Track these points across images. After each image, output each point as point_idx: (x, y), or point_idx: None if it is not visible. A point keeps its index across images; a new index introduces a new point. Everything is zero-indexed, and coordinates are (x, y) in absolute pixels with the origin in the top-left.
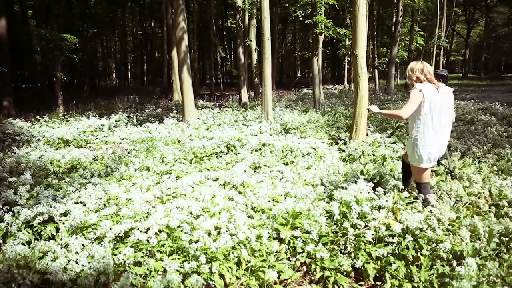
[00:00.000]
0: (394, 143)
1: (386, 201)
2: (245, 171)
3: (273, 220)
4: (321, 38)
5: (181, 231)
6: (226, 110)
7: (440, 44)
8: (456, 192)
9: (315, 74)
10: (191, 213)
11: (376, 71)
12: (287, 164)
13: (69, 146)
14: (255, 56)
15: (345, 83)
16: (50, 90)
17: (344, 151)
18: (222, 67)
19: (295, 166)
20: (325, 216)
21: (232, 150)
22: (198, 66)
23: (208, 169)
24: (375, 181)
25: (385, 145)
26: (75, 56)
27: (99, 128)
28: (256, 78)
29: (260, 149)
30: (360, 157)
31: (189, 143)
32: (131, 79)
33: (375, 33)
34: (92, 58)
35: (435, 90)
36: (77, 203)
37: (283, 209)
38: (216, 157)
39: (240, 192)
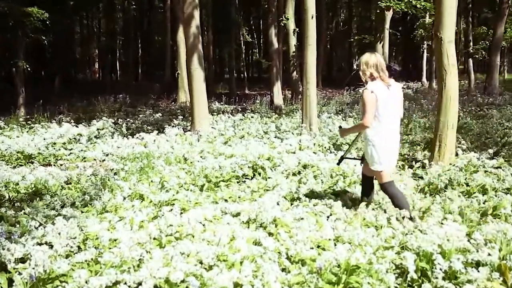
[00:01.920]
0: (500, 167)
1: (489, 254)
2: (278, 204)
3: (317, 277)
4: (389, 14)
5: (187, 287)
6: (252, 117)
7: None
8: None
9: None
10: (200, 262)
11: (470, 61)
12: (337, 195)
13: (32, 163)
14: (293, 40)
15: (423, 79)
16: (8, 84)
17: (421, 177)
18: (247, 56)
19: (351, 197)
20: (395, 274)
21: (260, 174)
22: (213, 54)
23: (225, 200)
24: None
25: (485, 171)
26: (44, 38)
27: (74, 138)
28: (295, 72)
29: (299, 172)
30: (446, 188)
31: (200, 162)
32: (120, 72)
33: (470, 5)
34: (67, 42)
35: (386, 89)
36: (40, 244)
37: (332, 260)
38: (238, 182)
39: (270, 234)
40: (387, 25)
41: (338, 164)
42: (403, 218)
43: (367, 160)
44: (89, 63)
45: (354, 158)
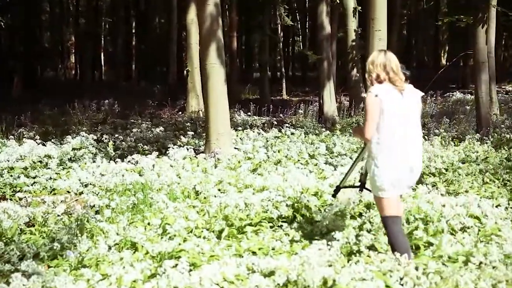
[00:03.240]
0: None
1: None
2: (329, 259)
3: None
4: None
5: None
6: (293, 134)
7: None
8: None
9: (480, 60)
10: None
11: None
12: (417, 247)
13: None
14: (353, 24)
15: None
16: None
17: None
18: (286, 46)
19: (434, 253)
20: None
21: (303, 215)
22: (238, 44)
23: (253, 252)
24: None
25: None
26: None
27: (40, 162)
28: (355, 69)
29: (360, 214)
30: None
31: (218, 198)
32: (105, 68)
33: None
34: (30, 25)
35: (397, 94)
36: None
37: None
38: (271, 227)
39: None
40: (495, 0)
41: (334, 196)
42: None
43: (370, 183)
44: (62, 55)
45: (352, 186)
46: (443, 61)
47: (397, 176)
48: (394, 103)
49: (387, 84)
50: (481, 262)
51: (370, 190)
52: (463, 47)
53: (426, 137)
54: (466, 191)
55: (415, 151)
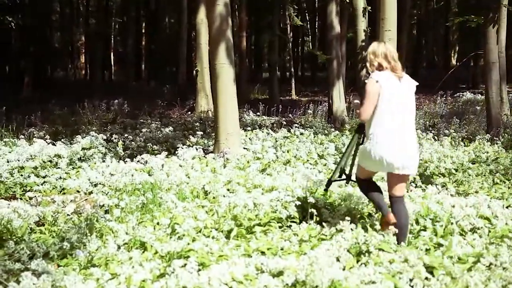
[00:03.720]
0: None
1: None
2: (338, 260)
3: None
4: None
5: None
6: (302, 134)
7: None
8: None
9: (491, 60)
10: None
11: None
12: (427, 250)
13: None
14: (363, 24)
15: None
16: None
17: None
18: (296, 47)
19: (444, 254)
20: None
21: (312, 215)
22: (247, 44)
23: (262, 252)
24: None
25: None
26: (10, 20)
27: (50, 161)
28: (364, 70)
29: (370, 214)
30: None
31: (227, 198)
32: (115, 68)
33: None
34: (42, 25)
35: (396, 81)
36: None
37: None
38: (280, 228)
39: None
40: (506, 0)
41: (326, 189)
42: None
43: (359, 154)
44: (72, 55)
45: (342, 179)
46: (453, 61)
47: (384, 155)
48: (394, 90)
49: (387, 72)
50: (491, 263)
51: (355, 181)
52: (473, 47)
53: (436, 137)
54: (476, 192)
55: (412, 139)
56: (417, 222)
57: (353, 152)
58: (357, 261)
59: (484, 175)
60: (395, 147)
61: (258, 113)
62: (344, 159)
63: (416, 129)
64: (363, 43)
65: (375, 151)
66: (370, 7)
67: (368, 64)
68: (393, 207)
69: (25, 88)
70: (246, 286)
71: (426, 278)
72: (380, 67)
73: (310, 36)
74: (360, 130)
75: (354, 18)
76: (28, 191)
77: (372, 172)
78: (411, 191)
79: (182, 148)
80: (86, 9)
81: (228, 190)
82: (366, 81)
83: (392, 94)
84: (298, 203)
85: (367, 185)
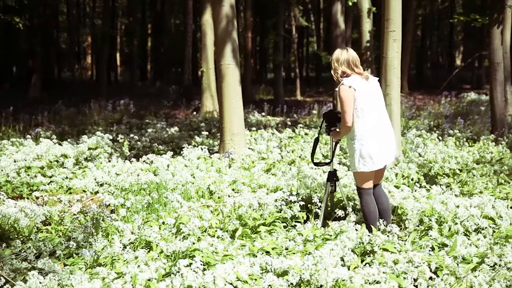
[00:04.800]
0: None
1: None
2: (342, 260)
3: None
4: None
5: None
6: (307, 134)
7: None
8: None
9: (496, 61)
10: None
11: None
12: (432, 249)
13: None
14: (367, 25)
15: None
16: None
17: None
18: (301, 47)
19: (448, 254)
20: None
21: (317, 215)
22: (253, 45)
23: (267, 252)
24: None
25: None
26: (18, 21)
27: (57, 161)
28: (369, 70)
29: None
30: None
31: (232, 198)
32: (121, 68)
33: None
34: (48, 26)
35: (365, 83)
36: None
37: None
38: (285, 227)
39: None
40: (511, 0)
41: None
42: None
43: (350, 162)
44: (78, 55)
45: (323, 164)
46: (458, 62)
47: (375, 152)
48: (366, 90)
49: (355, 75)
50: (495, 264)
51: (325, 164)
52: (478, 47)
53: (440, 137)
54: (481, 192)
55: (390, 129)
56: (422, 222)
57: (329, 199)
58: (362, 261)
59: (489, 176)
60: (383, 142)
61: (263, 113)
62: (323, 206)
63: (421, 129)
64: (368, 44)
65: (367, 150)
66: (375, 8)
67: (332, 72)
68: (376, 191)
69: (32, 88)
70: (251, 285)
71: (431, 278)
72: (344, 75)
73: (315, 37)
74: (331, 178)
75: (358, 19)
76: (35, 190)
77: (371, 174)
78: (415, 191)
79: (188, 148)
80: (92, 10)
81: (233, 190)
82: (337, 89)
83: (366, 94)
84: (303, 203)
85: (368, 198)
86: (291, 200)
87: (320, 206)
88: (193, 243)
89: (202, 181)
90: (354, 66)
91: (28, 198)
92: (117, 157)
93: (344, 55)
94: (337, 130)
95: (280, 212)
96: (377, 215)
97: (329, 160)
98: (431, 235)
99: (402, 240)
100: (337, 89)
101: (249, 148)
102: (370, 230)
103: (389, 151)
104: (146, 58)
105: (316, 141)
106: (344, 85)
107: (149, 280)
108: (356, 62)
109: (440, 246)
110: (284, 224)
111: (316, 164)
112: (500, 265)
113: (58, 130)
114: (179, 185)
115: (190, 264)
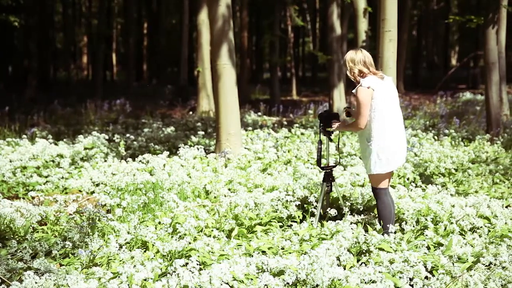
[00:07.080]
0: None
1: None
2: (338, 259)
3: None
4: None
5: None
6: (303, 134)
7: None
8: None
9: (491, 61)
10: None
11: None
12: (428, 248)
13: None
14: (363, 25)
15: None
16: None
17: None
18: (297, 47)
19: (444, 254)
20: None
21: (313, 215)
22: (249, 44)
23: (263, 251)
24: None
25: None
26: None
27: (52, 161)
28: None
29: (369, 212)
30: None
31: (228, 197)
32: (117, 68)
33: None
34: (44, 26)
35: (382, 82)
36: None
37: None
38: (281, 227)
39: None
40: (505, 1)
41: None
42: (383, 233)
43: (365, 164)
44: (74, 55)
45: (331, 167)
46: (453, 62)
47: (391, 154)
48: (383, 90)
49: (371, 75)
50: (490, 263)
51: (333, 167)
52: (473, 47)
53: (436, 137)
54: (476, 192)
55: (403, 132)
56: (418, 222)
57: (325, 199)
58: (358, 261)
59: (484, 175)
60: (399, 143)
61: (259, 113)
62: (319, 205)
63: (416, 129)
64: (364, 44)
65: (385, 152)
66: (371, 8)
67: (348, 72)
68: (379, 199)
69: (28, 88)
70: (247, 285)
71: (426, 278)
72: (361, 74)
73: (311, 37)
74: (327, 178)
75: (355, 18)
76: (31, 190)
77: (386, 174)
78: (411, 190)
79: (184, 148)
80: (88, 10)
81: (229, 189)
82: (354, 90)
83: (383, 94)
84: (299, 202)
85: (385, 198)
86: (287, 200)
87: (316, 206)
88: (189, 243)
89: (198, 181)
90: (370, 66)
91: (24, 198)
92: (113, 157)
93: (359, 55)
94: (345, 123)
95: (276, 211)
96: (394, 216)
97: (333, 164)
98: (426, 235)
99: (398, 240)
100: (354, 90)
101: (245, 148)
102: (387, 231)
103: (404, 152)
104: (142, 58)
105: (320, 144)
106: (363, 86)
107: (145, 280)
108: (372, 62)
109: (436, 245)
110: (280, 223)
111: (323, 168)
112: (495, 264)
113: (54, 130)
114: (175, 185)
115: (186, 263)
